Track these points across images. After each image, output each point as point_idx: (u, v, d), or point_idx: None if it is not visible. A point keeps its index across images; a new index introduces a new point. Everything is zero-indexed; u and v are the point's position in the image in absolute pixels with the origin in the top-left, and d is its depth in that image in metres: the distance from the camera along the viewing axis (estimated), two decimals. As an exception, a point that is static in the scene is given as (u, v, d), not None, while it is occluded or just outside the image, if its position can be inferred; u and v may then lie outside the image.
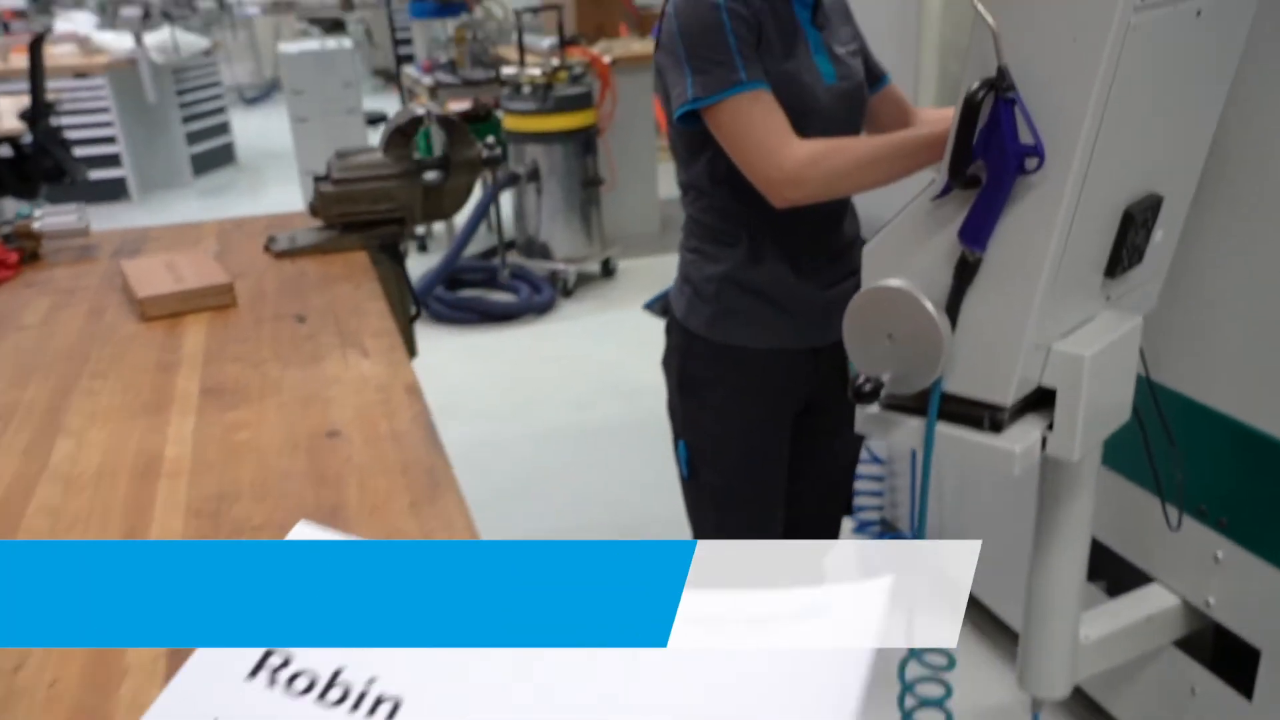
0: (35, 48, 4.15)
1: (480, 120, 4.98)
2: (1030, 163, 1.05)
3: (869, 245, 1.23)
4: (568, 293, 4.52)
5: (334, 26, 9.51)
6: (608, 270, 4.72)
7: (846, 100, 1.43)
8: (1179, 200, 1.33)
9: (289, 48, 3.98)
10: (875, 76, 1.57)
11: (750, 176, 1.31)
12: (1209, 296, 1.53)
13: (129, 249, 1.94)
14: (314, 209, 1.91)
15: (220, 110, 6.45)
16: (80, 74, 5.35)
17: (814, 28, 1.41)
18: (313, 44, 4.09)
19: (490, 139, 2.03)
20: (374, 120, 4.68)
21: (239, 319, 1.57)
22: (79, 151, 5.47)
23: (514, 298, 4.41)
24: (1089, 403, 1.19)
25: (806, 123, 1.33)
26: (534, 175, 4.37)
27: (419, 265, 4.67)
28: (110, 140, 5.49)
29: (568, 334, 4.20)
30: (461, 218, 4.45)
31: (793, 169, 1.27)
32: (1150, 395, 1.47)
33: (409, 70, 4.82)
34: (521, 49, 4.33)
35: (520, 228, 4.63)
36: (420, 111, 1.92)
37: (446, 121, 1.93)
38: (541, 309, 4.34)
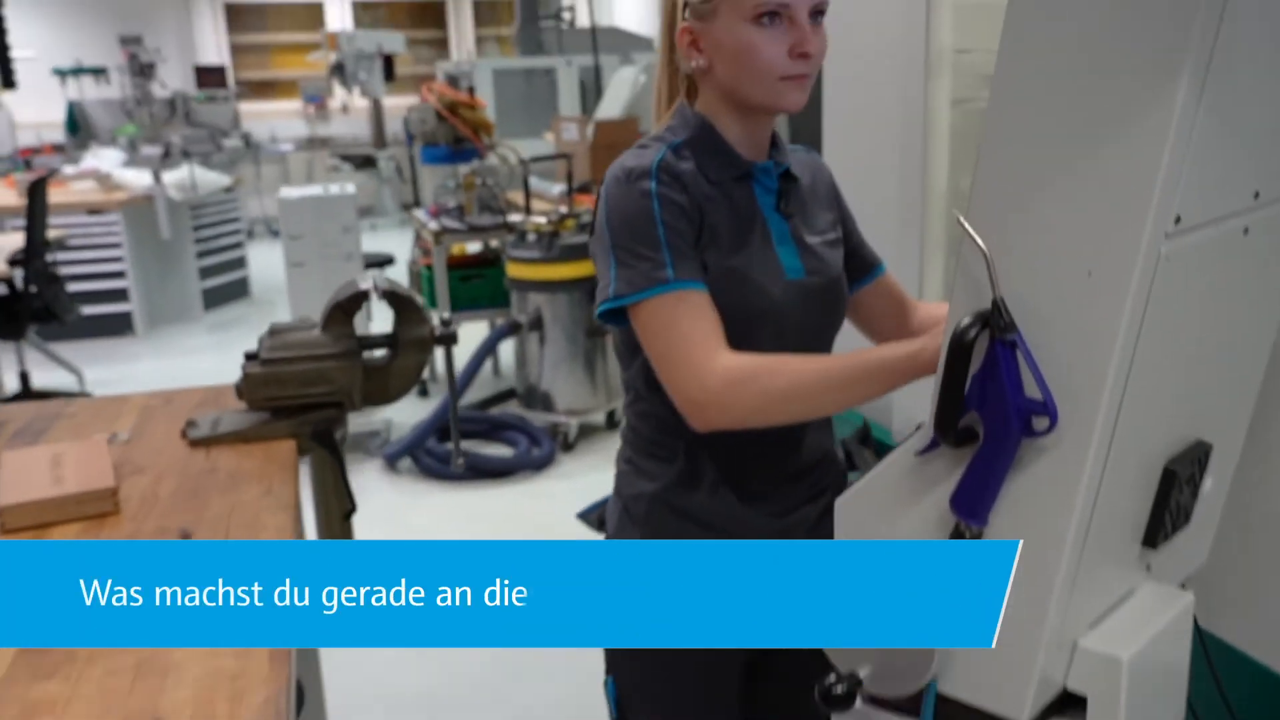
0: (34, 190, 4.13)
1: (488, 265, 4.87)
2: (1039, 423, 0.81)
3: (842, 498, 0.99)
4: (569, 446, 4.29)
5: (365, 163, 9.67)
6: (613, 422, 4.49)
7: (814, 298, 1.21)
8: (1230, 443, 1.08)
9: (289, 193, 3.90)
10: (866, 267, 1.36)
11: (670, 392, 1.10)
12: (1272, 530, 1.25)
13: (35, 429, 1.74)
14: (240, 391, 1.71)
15: (237, 245, 6.44)
16: (95, 210, 5.35)
17: (779, 215, 1.21)
18: (315, 189, 4.02)
19: (446, 315, 1.84)
20: (376, 263, 4.59)
21: (113, 533, 1.34)
22: (86, 286, 5.45)
23: (511, 451, 4.18)
24: (1131, 716, 0.91)
25: (759, 325, 1.14)
26: (537, 324, 4.21)
27: (418, 412, 4.47)
28: (119, 275, 5.44)
29: (566, 492, 3.94)
30: (462, 361, 4.28)
31: (716, 388, 1.06)
32: (1201, 651, 1.18)
33: (417, 213, 4.75)
34: (528, 196, 4.23)
35: (521, 377, 4.44)
36: (364, 285, 1.73)
37: (393, 297, 1.74)
38: (539, 464, 4.09)
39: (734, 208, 1.16)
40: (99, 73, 8.03)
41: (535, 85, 7.06)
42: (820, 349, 1.23)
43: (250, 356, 1.72)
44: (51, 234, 4.57)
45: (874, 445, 2.11)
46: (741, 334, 1.10)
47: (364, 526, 3.16)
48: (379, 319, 1.72)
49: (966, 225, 0.82)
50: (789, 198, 1.23)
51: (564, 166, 4.50)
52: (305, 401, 1.70)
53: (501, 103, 6.70)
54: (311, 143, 10.16)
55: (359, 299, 1.72)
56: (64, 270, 5.25)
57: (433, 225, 4.41)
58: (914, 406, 1.93)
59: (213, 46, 10.00)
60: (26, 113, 8.55)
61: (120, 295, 5.48)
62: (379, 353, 1.77)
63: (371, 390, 1.76)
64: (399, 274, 5.06)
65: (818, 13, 1.11)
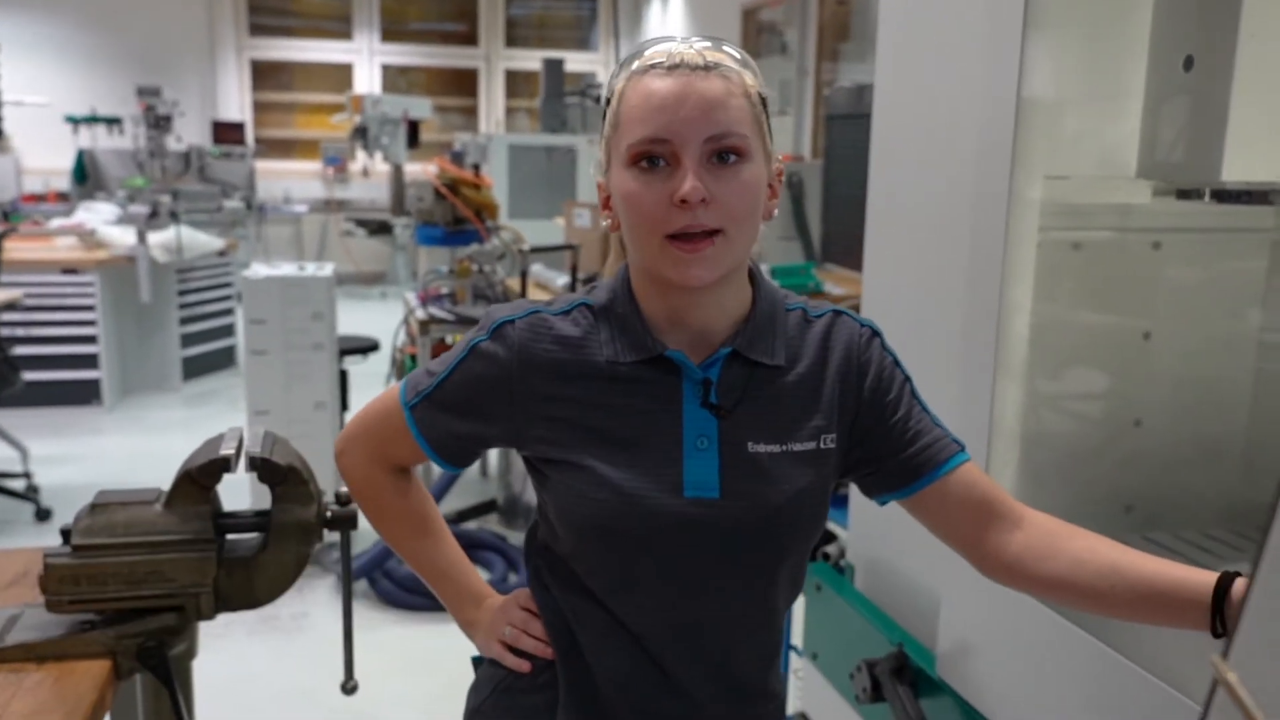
0: (-21, 250, 3.75)
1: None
2: None
3: None
4: (551, 572, 3.78)
5: (380, 229, 9.37)
6: (604, 545, 4.00)
7: (729, 526, 0.98)
8: None
9: (256, 271, 3.50)
10: (922, 466, 1.03)
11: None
12: None
13: None
14: (44, 585, 1.25)
15: (226, 312, 6.06)
16: (70, 269, 5.00)
17: (705, 412, 0.98)
18: (289, 268, 3.62)
19: (344, 489, 1.38)
20: (354, 350, 4.15)
21: None
22: (52, 350, 5.06)
23: (486, 575, 3.68)
24: None
25: (630, 552, 0.98)
26: (525, 432, 3.75)
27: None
28: (89, 340, 5.05)
29: (541, 629, 3.41)
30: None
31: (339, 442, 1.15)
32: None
33: (407, 295, 4.34)
34: (524, 289, 3.82)
35: (503, 486, 3.97)
36: (228, 451, 1.27)
37: (270, 468, 1.28)
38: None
39: (646, 395, 0.98)
40: (113, 122, 7.79)
41: (556, 163, 6.73)
42: (735, 599, 1.01)
43: (66, 531, 1.26)
44: (5, 294, 4.19)
45: (912, 676, 1.61)
46: (612, 561, 0.98)
47: (292, 669, 2.63)
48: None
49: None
50: (724, 389, 0.98)
51: (570, 257, 4.09)
52: (132, 605, 1.24)
53: (517, 179, 6.36)
54: (328, 205, 9.89)
55: (219, 468, 1.26)
56: (29, 332, 4.88)
57: (420, 313, 3.99)
58: (959, 620, 1.45)
59: (235, 102, 9.81)
60: (36, 158, 8.33)
61: (89, 361, 5.08)
62: (243, 540, 1.30)
63: (231, 590, 1.29)
64: (382, 361, 4.63)
65: (723, 153, 0.90)
